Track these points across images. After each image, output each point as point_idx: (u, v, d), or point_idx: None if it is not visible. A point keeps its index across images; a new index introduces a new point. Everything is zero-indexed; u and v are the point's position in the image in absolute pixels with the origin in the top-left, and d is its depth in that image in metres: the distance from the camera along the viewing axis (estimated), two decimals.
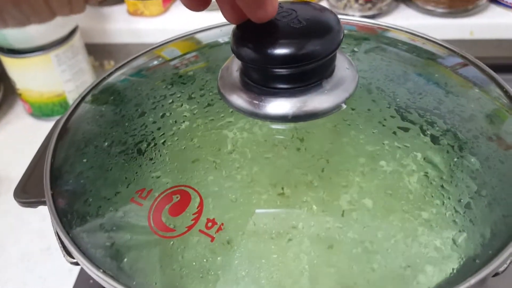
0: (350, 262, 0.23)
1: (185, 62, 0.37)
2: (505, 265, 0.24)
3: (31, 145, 0.61)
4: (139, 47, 0.67)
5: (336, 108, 0.28)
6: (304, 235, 0.24)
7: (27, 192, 0.32)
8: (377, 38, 0.38)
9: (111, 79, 0.37)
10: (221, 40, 0.40)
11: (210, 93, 0.30)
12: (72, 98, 0.64)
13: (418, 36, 0.38)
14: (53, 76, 0.61)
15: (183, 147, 0.27)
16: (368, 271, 0.23)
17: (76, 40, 0.62)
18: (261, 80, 0.28)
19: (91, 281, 0.45)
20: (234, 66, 0.30)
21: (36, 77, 0.61)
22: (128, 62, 0.39)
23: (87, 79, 0.65)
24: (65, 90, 0.63)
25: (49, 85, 0.62)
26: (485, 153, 0.27)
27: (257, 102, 0.28)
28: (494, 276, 0.24)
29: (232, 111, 0.28)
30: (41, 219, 0.53)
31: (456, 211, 0.25)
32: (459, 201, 0.25)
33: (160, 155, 0.27)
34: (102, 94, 0.36)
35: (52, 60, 0.60)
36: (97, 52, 0.72)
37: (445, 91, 0.31)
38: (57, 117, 0.64)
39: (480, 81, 0.34)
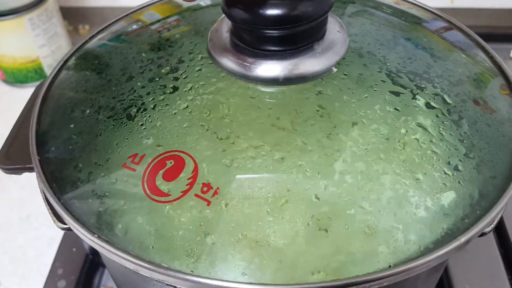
0: (344, 224, 0.24)
1: (167, 26, 0.36)
2: (492, 225, 0.25)
3: (4, 112, 0.59)
4: (115, 11, 0.65)
5: (327, 71, 0.28)
6: (298, 198, 0.24)
7: (10, 159, 0.31)
8: (363, 1, 0.38)
9: (91, 45, 0.36)
10: (203, 3, 0.39)
11: (200, 57, 0.30)
12: (47, 63, 0.62)
13: (404, 0, 0.38)
14: (26, 41, 0.59)
15: (174, 112, 0.27)
16: (362, 232, 0.23)
17: (51, 3, 0.59)
18: (252, 42, 0.28)
19: (74, 249, 0.44)
20: (224, 27, 0.30)
21: (8, 41, 0.59)
22: (107, 26, 0.38)
23: (63, 44, 0.63)
24: (39, 56, 0.61)
25: (22, 50, 0.60)
26: (473, 116, 0.28)
27: (248, 64, 0.28)
28: (480, 236, 0.25)
29: (223, 76, 0.28)
30: (20, 187, 0.52)
31: (446, 173, 0.25)
32: (448, 163, 0.26)
33: (151, 121, 0.27)
34: (84, 59, 0.34)
35: (25, 24, 0.58)
36: (72, 16, 0.69)
37: (433, 56, 0.31)
38: (32, 84, 0.63)
39: (465, 46, 0.34)
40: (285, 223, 0.23)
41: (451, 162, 0.26)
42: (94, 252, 0.44)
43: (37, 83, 0.65)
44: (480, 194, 0.25)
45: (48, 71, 0.63)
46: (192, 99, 0.27)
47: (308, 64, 0.28)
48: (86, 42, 0.36)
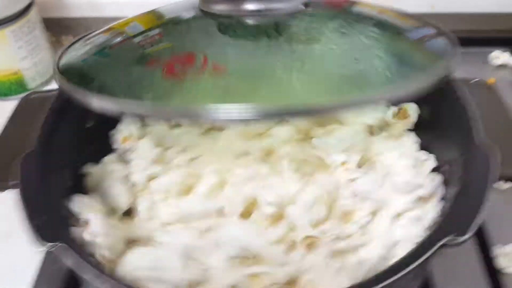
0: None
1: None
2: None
3: None
4: (98, 21, 0.64)
5: None
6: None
7: None
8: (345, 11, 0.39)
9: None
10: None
11: None
12: (29, 76, 0.62)
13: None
14: (9, 54, 0.58)
15: None
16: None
17: (33, 14, 0.59)
18: None
19: (56, 266, 0.44)
20: None
21: None
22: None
23: (45, 56, 0.63)
24: (21, 68, 0.61)
25: (4, 63, 0.59)
26: None
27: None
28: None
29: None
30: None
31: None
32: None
33: None
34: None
35: (7, 36, 0.57)
36: (55, 27, 0.69)
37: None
38: (16, 97, 0.62)
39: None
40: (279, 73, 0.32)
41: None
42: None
43: (21, 95, 0.64)
44: None
45: (30, 83, 0.62)
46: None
47: None
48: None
